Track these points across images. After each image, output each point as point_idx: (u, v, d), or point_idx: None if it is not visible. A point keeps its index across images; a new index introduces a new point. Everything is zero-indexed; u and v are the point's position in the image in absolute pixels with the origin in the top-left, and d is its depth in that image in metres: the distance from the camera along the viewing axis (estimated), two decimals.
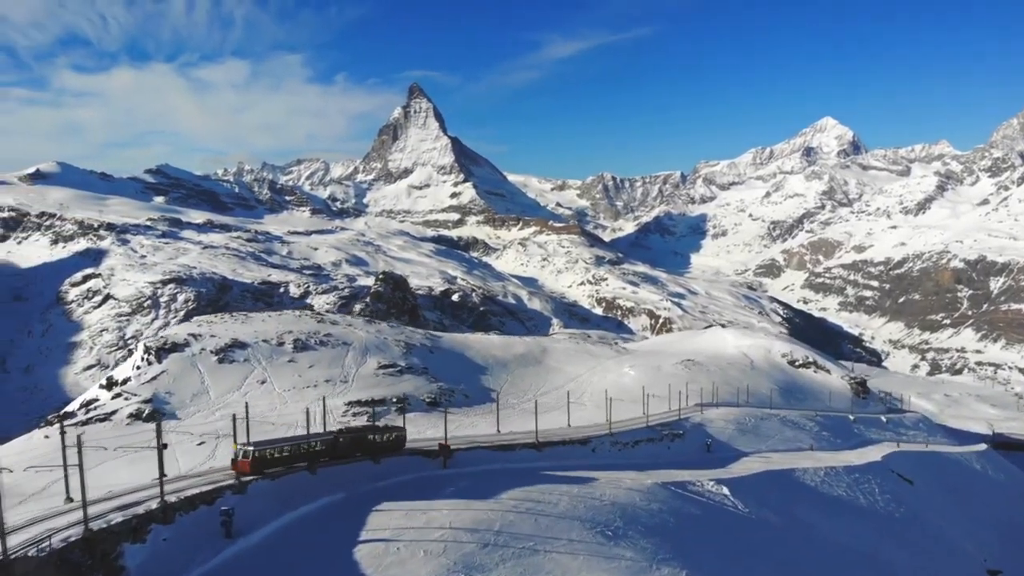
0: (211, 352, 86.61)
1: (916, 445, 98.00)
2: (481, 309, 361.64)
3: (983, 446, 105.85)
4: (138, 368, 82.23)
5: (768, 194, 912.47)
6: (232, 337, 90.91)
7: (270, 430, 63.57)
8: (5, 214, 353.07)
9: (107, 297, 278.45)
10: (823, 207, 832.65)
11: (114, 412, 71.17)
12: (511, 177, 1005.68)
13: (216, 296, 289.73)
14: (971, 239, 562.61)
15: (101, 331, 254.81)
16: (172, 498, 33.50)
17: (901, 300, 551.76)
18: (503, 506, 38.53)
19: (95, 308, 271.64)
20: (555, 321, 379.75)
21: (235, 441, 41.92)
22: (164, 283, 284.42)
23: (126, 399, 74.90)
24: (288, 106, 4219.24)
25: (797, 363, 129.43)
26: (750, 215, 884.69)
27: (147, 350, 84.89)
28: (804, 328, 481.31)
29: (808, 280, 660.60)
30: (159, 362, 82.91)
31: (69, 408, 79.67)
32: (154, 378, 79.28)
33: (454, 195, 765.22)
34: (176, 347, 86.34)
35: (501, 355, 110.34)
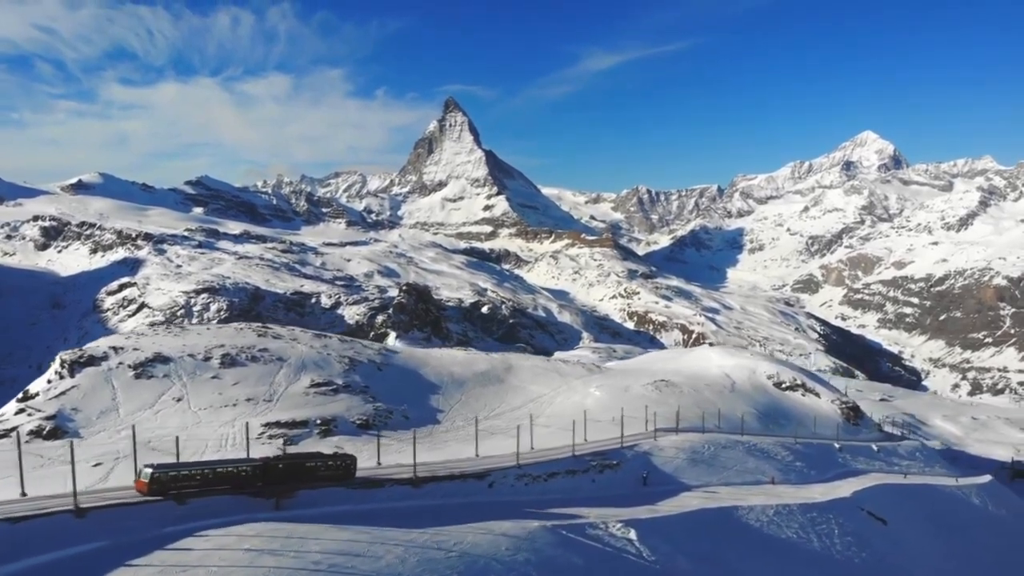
0: (128, 366, 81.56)
1: (911, 477, 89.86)
2: (511, 322, 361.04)
3: (987, 477, 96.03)
4: (49, 382, 77.73)
5: (807, 208, 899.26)
6: (155, 351, 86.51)
7: (178, 451, 60.34)
8: (47, 223, 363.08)
9: (142, 306, 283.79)
10: (863, 222, 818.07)
11: (14, 428, 66.97)
12: (545, 190, 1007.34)
13: (249, 306, 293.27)
14: (1014, 256, 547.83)
15: None
16: None
17: (942, 318, 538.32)
18: (301, 562, 31.75)
19: (130, 316, 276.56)
20: (585, 335, 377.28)
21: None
22: (198, 292, 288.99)
23: (29, 414, 70.93)
24: (329, 120, 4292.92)
25: (784, 385, 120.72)
26: (788, 229, 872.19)
27: (62, 363, 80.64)
28: (842, 345, 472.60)
29: (847, 296, 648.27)
30: (71, 376, 78.79)
31: None
32: (63, 393, 74.90)
33: (487, 208, 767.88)
34: (93, 360, 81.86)
35: (460, 373, 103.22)
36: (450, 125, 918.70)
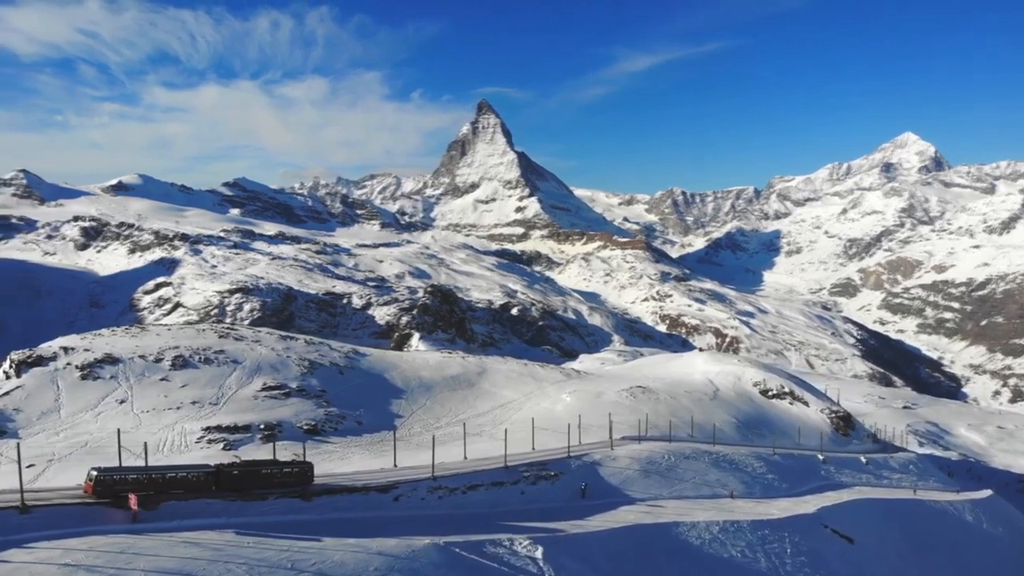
0: (76, 367, 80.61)
1: (897, 491, 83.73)
2: (540, 324, 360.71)
3: (987, 492, 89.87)
4: None
5: (845, 211, 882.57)
6: (105, 352, 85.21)
7: (112, 456, 57.16)
8: (87, 224, 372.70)
9: (177, 305, 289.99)
10: (902, 225, 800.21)
11: None
12: (578, 192, 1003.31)
13: (281, 306, 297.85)
14: None
15: None
16: None
17: (983, 323, 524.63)
18: None
19: (165, 316, 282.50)
20: (615, 337, 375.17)
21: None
22: (231, 292, 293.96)
23: None
24: (365, 122, 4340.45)
25: (770, 393, 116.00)
26: (826, 232, 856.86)
27: (11, 363, 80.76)
28: (880, 350, 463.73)
29: (885, 300, 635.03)
30: (18, 376, 78.46)
31: None
32: (7, 393, 74.53)
33: (519, 209, 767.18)
34: (41, 360, 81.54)
35: (429, 377, 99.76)
36: (483, 127, 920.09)
